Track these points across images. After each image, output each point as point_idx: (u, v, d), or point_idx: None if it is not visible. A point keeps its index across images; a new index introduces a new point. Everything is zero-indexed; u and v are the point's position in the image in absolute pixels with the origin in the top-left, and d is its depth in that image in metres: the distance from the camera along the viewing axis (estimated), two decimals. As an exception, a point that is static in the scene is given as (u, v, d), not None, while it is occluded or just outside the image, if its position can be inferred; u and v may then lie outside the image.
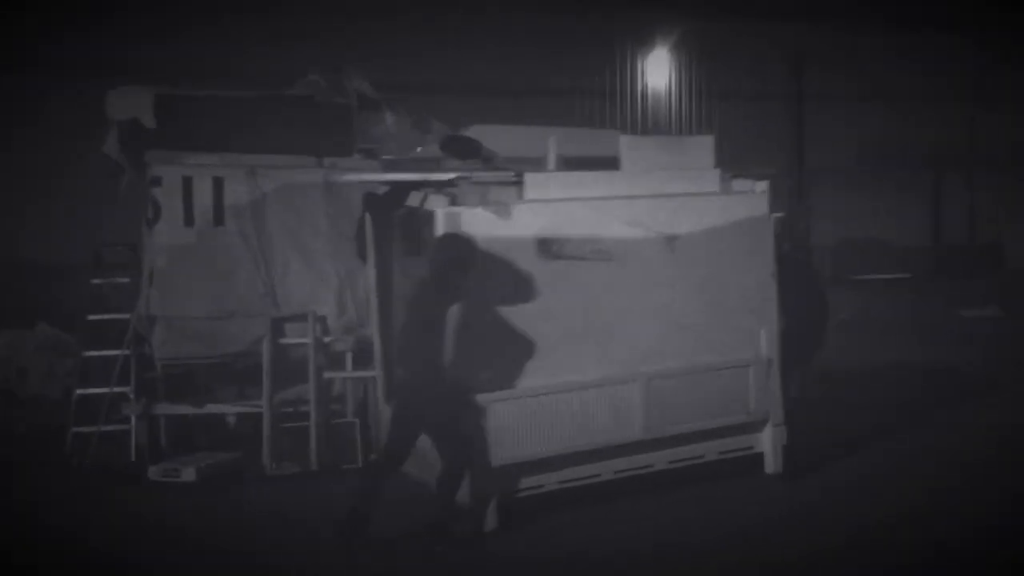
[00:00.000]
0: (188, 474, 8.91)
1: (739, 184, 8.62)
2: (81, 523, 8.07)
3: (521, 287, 7.66)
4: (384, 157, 9.65)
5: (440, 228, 7.47)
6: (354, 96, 10.12)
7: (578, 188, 8.02)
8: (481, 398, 7.54)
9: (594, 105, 18.36)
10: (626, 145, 8.35)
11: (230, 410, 9.76)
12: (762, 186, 8.61)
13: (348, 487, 7.76)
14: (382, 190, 8.85)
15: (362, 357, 9.85)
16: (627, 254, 8.01)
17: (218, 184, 9.52)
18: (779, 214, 8.82)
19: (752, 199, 8.56)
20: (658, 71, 19.17)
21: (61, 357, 11.81)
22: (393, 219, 8.70)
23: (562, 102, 17.77)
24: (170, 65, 13.10)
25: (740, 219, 8.45)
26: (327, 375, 9.62)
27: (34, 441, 10.28)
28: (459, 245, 7.31)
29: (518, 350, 7.68)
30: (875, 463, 9.17)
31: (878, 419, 10.55)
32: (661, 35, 19.00)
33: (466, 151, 8.38)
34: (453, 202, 7.64)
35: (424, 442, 7.45)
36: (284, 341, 9.51)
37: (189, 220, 9.45)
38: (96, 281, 10.12)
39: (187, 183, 9.43)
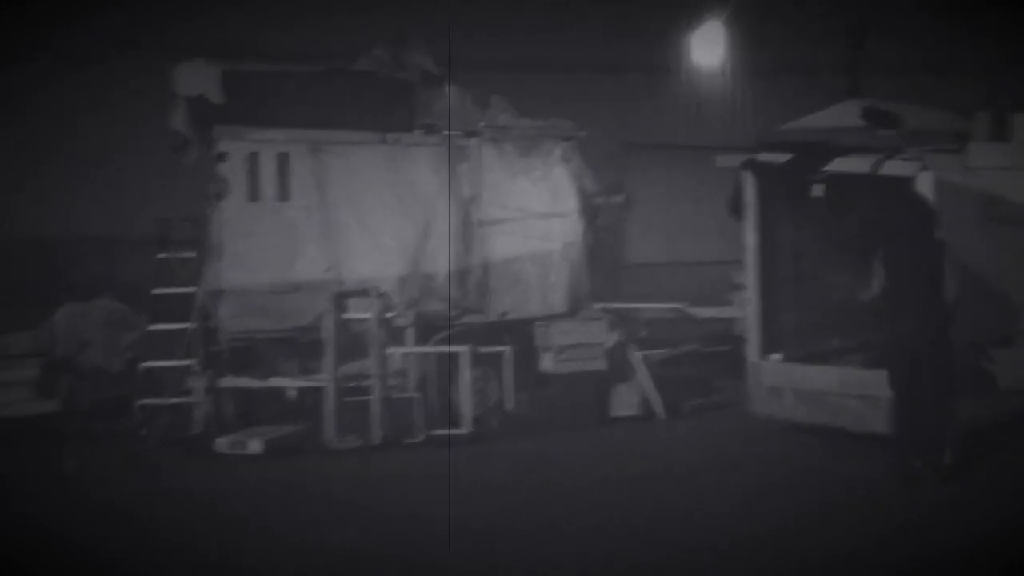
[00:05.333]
0: (254, 446, 9.02)
1: None
2: (157, 495, 8.12)
3: (974, 246, 8.30)
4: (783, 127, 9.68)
5: (924, 191, 8.09)
6: (416, 71, 10.12)
7: (1002, 157, 8.74)
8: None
9: (641, 80, 18.15)
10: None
11: (295, 383, 9.83)
12: None
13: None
14: (764, 157, 9.17)
15: (424, 332, 9.90)
16: None
17: (283, 160, 9.58)
18: None
19: None
20: (710, 45, 18.91)
21: (124, 330, 11.90)
22: (791, 184, 9.22)
23: (611, 78, 17.65)
24: (235, 40, 13.10)
25: None
26: (389, 350, 9.68)
27: (100, 413, 10.43)
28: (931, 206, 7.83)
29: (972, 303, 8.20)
30: None
31: None
32: (713, 7, 18.74)
33: (890, 122, 8.87)
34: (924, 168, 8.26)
35: (824, 385, 8.70)
36: (347, 316, 9.57)
37: (255, 195, 9.52)
38: (162, 255, 10.22)
39: (253, 159, 9.50)
